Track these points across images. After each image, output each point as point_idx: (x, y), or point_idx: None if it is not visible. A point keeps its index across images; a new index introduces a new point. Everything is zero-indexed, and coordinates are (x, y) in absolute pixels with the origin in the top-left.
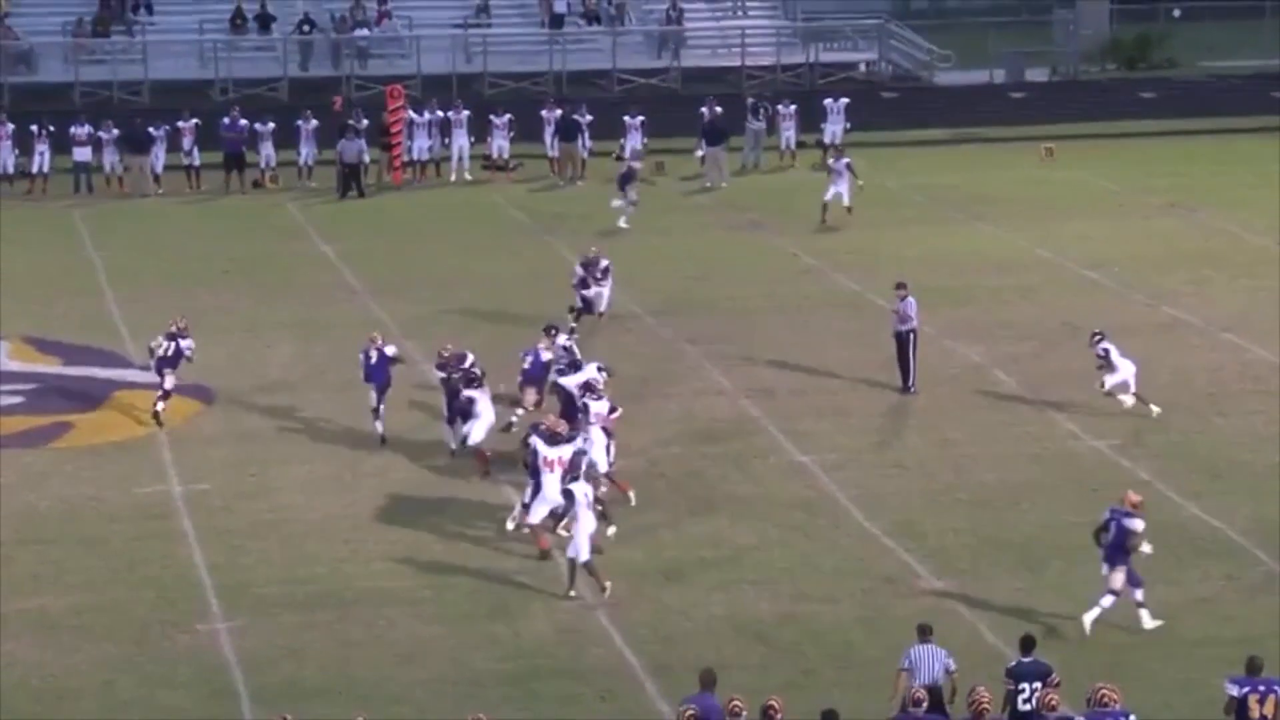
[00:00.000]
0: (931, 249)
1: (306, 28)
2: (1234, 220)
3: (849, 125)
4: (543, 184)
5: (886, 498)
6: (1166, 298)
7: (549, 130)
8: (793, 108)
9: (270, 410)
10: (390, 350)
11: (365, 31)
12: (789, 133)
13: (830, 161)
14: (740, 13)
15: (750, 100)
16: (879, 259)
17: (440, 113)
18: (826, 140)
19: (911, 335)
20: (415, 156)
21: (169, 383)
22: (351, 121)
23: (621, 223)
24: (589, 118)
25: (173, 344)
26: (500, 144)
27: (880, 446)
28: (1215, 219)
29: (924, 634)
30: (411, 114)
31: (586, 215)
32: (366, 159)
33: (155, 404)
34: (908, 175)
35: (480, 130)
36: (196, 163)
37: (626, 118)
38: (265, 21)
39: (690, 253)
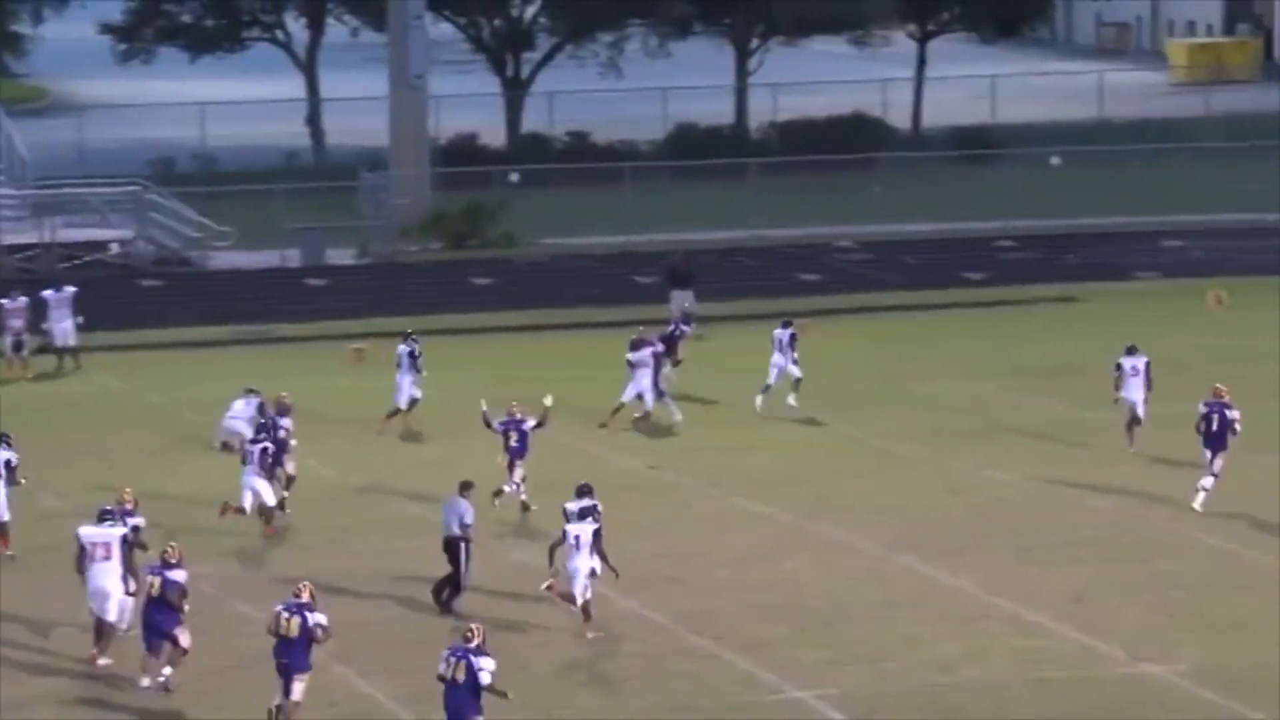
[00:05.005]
0: (205, 485)
1: None
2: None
3: (81, 320)
4: None
5: None
6: None
7: None
8: (23, 300)
9: None
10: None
11: None
12: (18, 333)
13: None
14: None
15: None
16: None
17: None
18: (58, 343)
19: None
20: None
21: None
22: None
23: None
24: None
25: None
26: None
27: None
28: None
29: None
30: None
31: None
32: None
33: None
34: (178, 387)
35: None
36: None
37: None
38: None
39: None
